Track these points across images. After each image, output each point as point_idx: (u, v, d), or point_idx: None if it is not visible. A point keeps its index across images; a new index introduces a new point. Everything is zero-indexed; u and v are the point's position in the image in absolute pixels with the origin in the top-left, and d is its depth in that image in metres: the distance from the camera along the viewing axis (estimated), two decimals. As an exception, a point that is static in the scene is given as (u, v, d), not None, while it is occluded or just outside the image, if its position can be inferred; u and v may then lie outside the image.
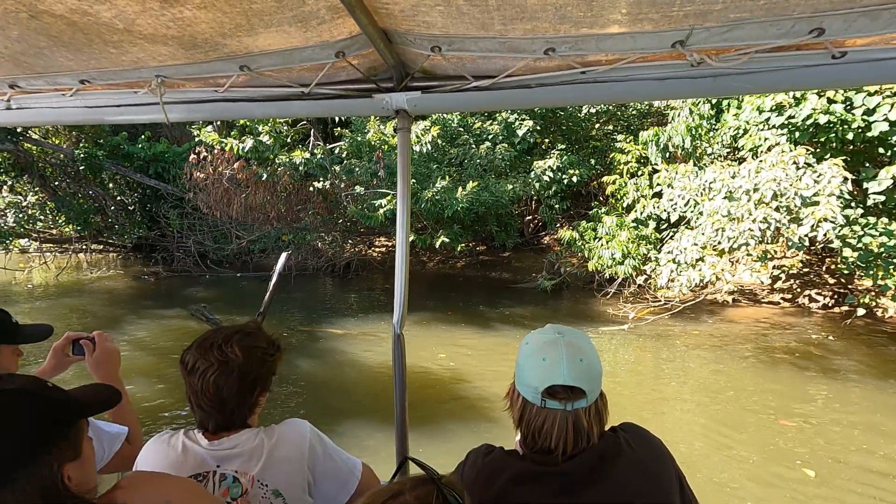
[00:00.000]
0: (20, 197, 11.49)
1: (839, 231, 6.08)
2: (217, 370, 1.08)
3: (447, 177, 9.47)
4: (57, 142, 12.97)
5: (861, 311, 6.50)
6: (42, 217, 12.06)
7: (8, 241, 10.96)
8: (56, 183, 12.11)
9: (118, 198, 13.32)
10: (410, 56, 1.34)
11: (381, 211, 8.84)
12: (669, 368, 6.25)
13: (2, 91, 1.65)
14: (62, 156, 11.84)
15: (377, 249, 14.19)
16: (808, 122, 6.59)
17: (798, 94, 6.70)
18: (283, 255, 7.80)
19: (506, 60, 1.26)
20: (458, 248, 10.09)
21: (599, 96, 1.34)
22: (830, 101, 6.53)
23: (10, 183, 11.35)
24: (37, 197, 11.84)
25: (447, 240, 9.54)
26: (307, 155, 8.71)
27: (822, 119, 6.46)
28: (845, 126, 6.50)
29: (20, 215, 11.25)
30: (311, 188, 10.00)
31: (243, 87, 1.51)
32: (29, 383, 0.81)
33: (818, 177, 6.00)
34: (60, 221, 12.04)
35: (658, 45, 1.13)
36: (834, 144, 6.76)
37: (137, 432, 1.45)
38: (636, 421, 1.07)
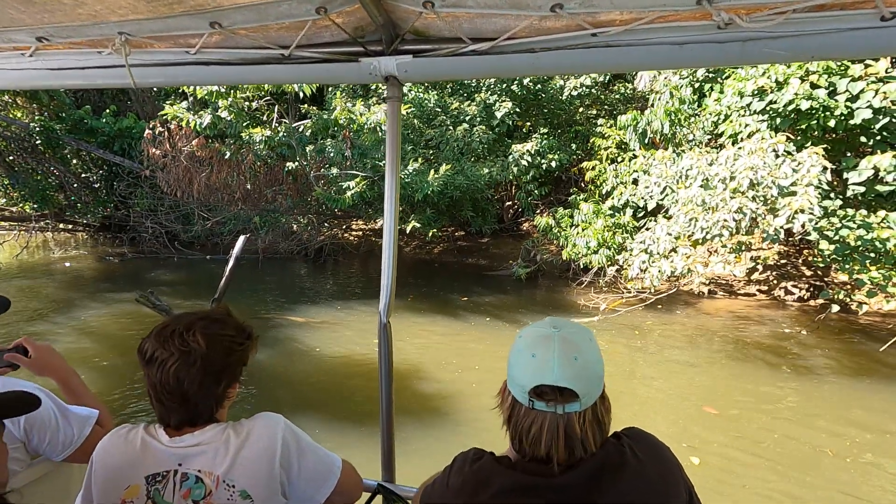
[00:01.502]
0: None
1: (816, 223, 5.85)
2: (178, 361, 0.99)
3: (420, 159, 9.09)
4: (18, 115, 12.32)
5: (836, 308, 6.32)
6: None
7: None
8: (10, 158, 11.50)
9: (82, 175, 12.74)
10: (400, 13, 1.19)
11: (349, 193, 8.45)
12: (636, 363, 6.05)
13: None
14: (16, 129, 11.21)
15: (353, 233, 13.82)
16: (790, 108, 6.31)
17: (781, 79, 6.40)
18: (241, 239, 7.31)
19: (507, 20, 1.13)
20: (430, 234, 9.76)
21: (612, 63, 1.19)
22: (813, 86, 6.24)
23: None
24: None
25: (418, 225, 9.20)
26: (268, 132, 8.23)
27: (805, 105, 6.17)
28: (827, 113, 6.23)
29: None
30: (282, 168, 9.56)
31: (217, 49, 1.37)
32: None
33: (797, 165, 5.74)
34: (16, 198, 11.48)
35: (681, 2, 0.99)
36: (815, 132, 6.50)
37: (107, 415, 1.38)
38: None
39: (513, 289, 9.25)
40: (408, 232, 9.54)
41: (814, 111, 6.26)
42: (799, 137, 6.61)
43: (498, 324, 7.30)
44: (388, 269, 1.47)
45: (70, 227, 13.49)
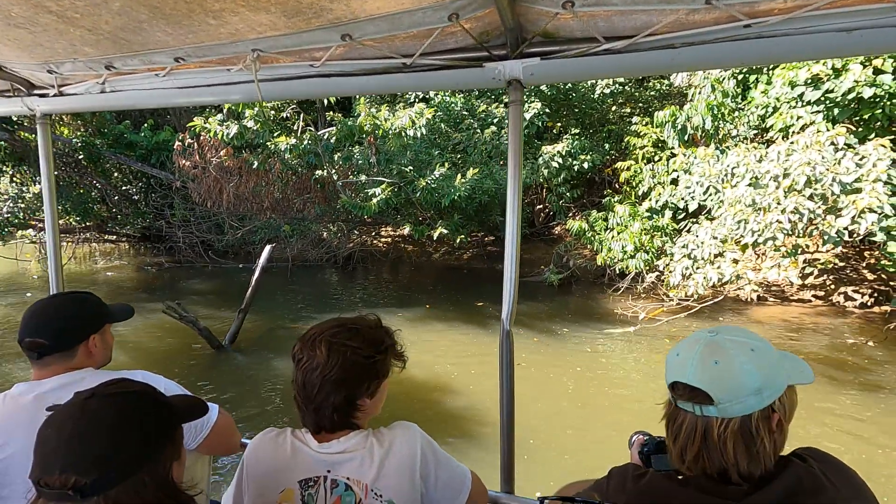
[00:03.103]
0: (21, 187, 11.45)
1: (884, 222, 5.27)
2: (306, 365, 1.03)
3: (447, 164, 8.88)
4: (66, 132, 12.90)
5: (907, 315, 5.70)
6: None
7: (4, 233, 10.90)
8: (56, 173, 12.00)
9: (122, 188, 13.19)
10: (532, 16, 1.18)
11: (375, 200, 8.32)
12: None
13: (98, 73, 1.61)
14: (61, 145, 11.70)
15: (382, 240, 13.75)
16: (850, 97, 5.75)
17: (839, 65, 5.85)
18: (267, 248, 7.21)
19: (650, 15, 1.09)
20: (459, 240, 9.52)
21: (764, 55, 1.12)
22: (877, 72, 5.67)
23: (10, 172, 11.28)
24: (39, 187, 11.78)
25: (446, 231, 8.97)
26: (293, 141, 8.22)
27: (867, 92, 5.61)
28: (894, 100, 5.64)
29: (17, 205, 11.19)
30: (311, 176, 9.56)
31: (340, 61, 1.40)
32: (147, 387, 0.87)
33: (861, 160, 5.19)
34: (60, 212, 11.97)
35: None
36: (880, 122, 5.90)
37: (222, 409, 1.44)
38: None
39: (544, 296, 8.88)
40: (435, 238, 9.34)
41: (878, 99, 5.69)
42: (860, 129, 6.02)
43: (520, 332, 6.97)
44: (511, 278, 1.45)
45: (113, 237, 14.00)
